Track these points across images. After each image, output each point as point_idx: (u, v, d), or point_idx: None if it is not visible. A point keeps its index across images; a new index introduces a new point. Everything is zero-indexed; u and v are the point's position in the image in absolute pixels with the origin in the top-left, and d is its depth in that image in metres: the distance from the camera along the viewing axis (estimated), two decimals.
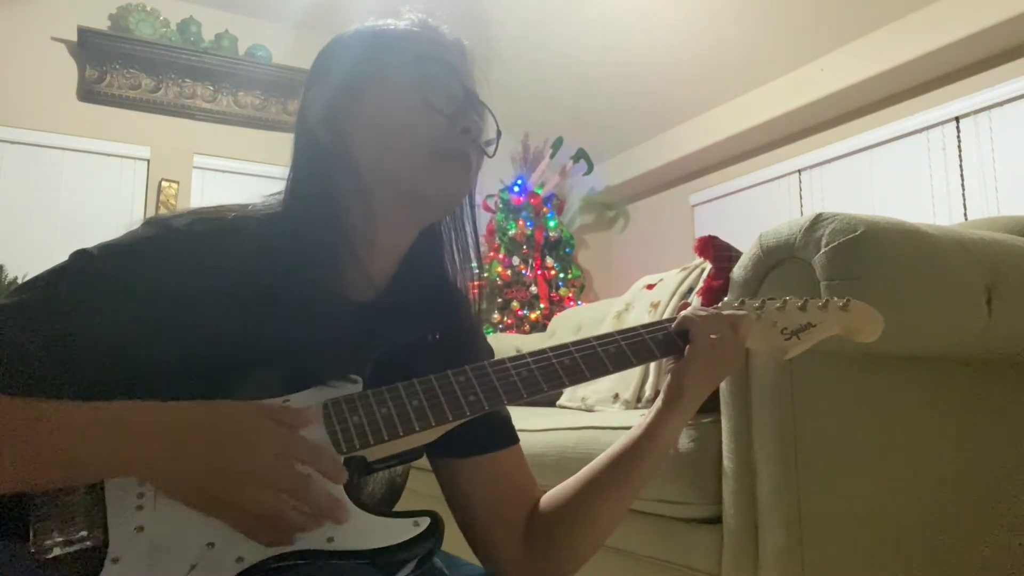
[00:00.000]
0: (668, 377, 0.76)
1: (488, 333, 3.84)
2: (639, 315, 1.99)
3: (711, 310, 0.77)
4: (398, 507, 0.79)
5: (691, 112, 3.96)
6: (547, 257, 4.42)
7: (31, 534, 0.56)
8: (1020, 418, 1.09)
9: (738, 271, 1.03)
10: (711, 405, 1.05)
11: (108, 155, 3.83)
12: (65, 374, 0.60)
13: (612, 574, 1.24)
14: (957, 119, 2.91)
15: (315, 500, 0.58)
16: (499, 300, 4.27)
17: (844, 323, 0.78)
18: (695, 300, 1.68)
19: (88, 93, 3.78)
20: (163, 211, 3.79)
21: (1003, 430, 1.08)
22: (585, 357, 0.71)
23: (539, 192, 4.43)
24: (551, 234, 4.43)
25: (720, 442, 1.04)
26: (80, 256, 0.63)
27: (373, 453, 0.65)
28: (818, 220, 0.94)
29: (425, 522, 0.62)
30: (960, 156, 2.90)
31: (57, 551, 0.56)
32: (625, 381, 1.90)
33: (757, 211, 3.78)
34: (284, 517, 0.57)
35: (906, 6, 2.86)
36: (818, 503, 0.95)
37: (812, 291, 0.92)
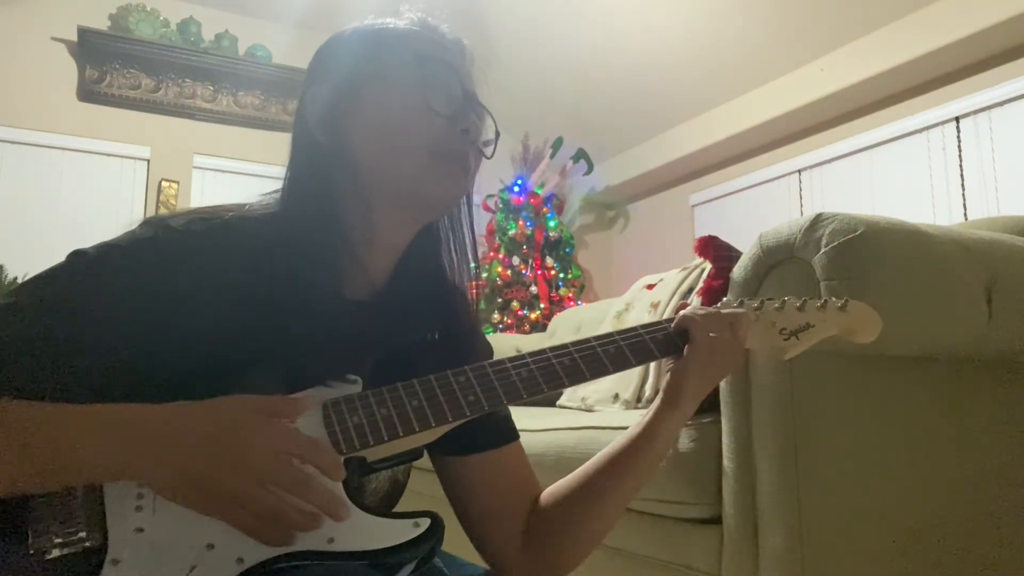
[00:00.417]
0: (668, 376, 0.76)
1: (488, 333, 3.85)
2: (639, 315, 1.99)
3: (710, 309, 0.77)
4: (398, 507, 0.79)
5: (691, 112, 3.96)
6: (547, 257, 4.42)
7: (30, 535, 0.56)
8: (1020, 418, 1.09)
9: (738, 271, 1.03)
10: (711, 405, 1.05)
11: (108, 155, 3.83)
12: (61, 376, 0.59)
13: (612, 574, 1.24)
14: (957, 119, 2.91)
15: (314, 497, 0.58)
16: (499, 300, 4.26)
17: (842, 323, 0.78)
18: (695, 300, 1.68)
19: (88, 93, 3.78)
20: (163, 211, 3.79)
21: (1003, 430, 1.08)
22: (585, 357, 0.71)
23: (539, 192, 4.42)
24: (551, 234, 4.43)
25: (720, 442, 1.04)
26: (76, 257, 0.63)
27: (373, 453, 0.65)
28: (818, 220, 0.94)
29: (425, 523, 0.62)
30: (960, 156, 2.90)
31: (56, 552, 0.56)
32: (625, 381, 1.89)
33: (757, 211, 3.78)
34: (283, 515, 0.57)
35: (906, 6, 2.86)
36: (818, 503, 0.95)
37: (812, 291, 0.92)
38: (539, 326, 4.09)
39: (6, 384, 0.57)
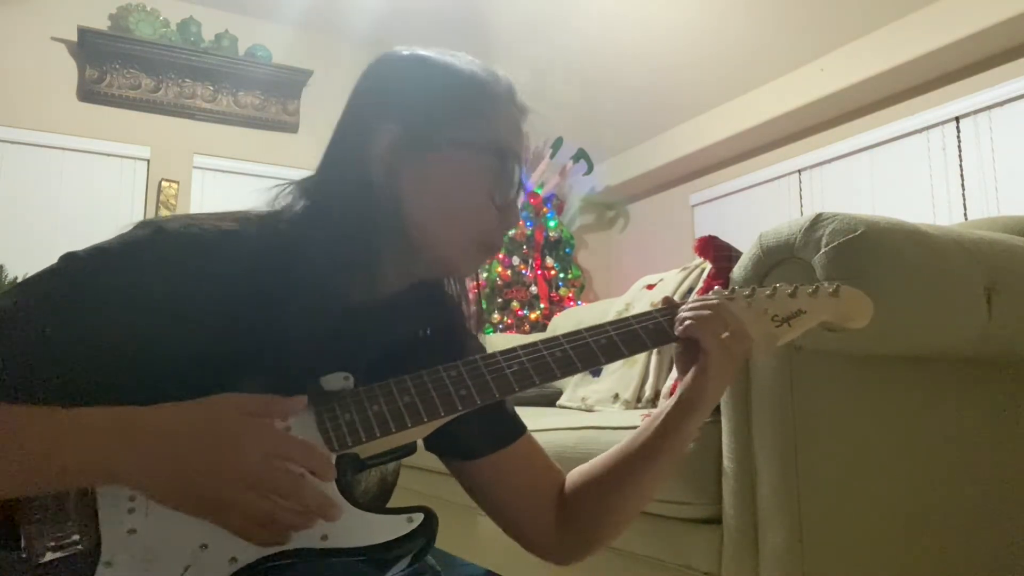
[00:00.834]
0: (688, 378, 0.74)
1: (488, 333, 3.85)
2: None
3: (704, 301, 0.76)
4: (391, 504, 0.79)
5: (691, 112, 3.95)
6: (547, 257, 4.42)
7: (23, 539, 0.56)
8: (1020, 418, 1.09)
9: (738, 271, 1.03)
10: None
11: (108, 155, 3.83)
12: (50, 379, 0.59)
13: (612, 574, 1.24)
14: (957, 119, 2.91)
15: (306, 499, 0.58)
16: (499, 300, 4.26)
17: (834, 309, 0.78)
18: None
19: (88, 93, 3.78)
20: (163, 211, 3.79)
21: (1003, 430, 1.08)
22: (577, 349, 0.71)
23: (539, 192, 4.42)
24: (551, 234, 4.43)
25: (720, 442, 1.04)
26: (68, 259, 0.63)
27: (366, 450, 0.65)
28: (818, 220, 0.94)
29: (419, 518, 0.62)
30: (960, 156, 2.90)
31: (49, 555, 0.55)
32: (624, 381, 1.90)
33: (757, 211, 3.77)
34: (276, 518, 0.57)
35: (906, 6, 2.86)
36: (818, 503, 0.95)
37: None
38: (539, 326, 4.09)
39: None
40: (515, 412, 0.85)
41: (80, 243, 0.65)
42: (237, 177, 4.06)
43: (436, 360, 0.69)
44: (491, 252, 0.75)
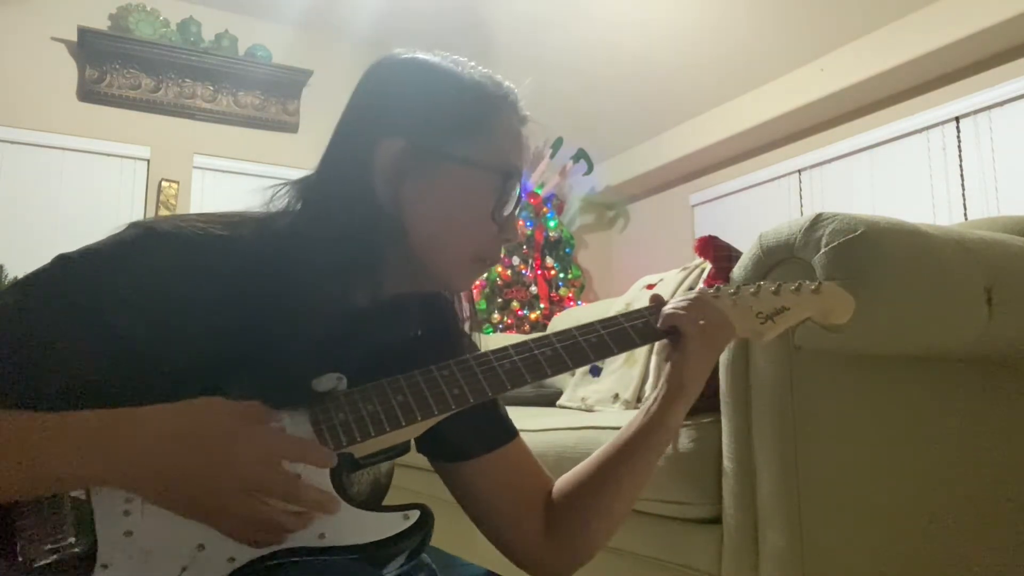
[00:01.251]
0: (668, 367, 0.76)
1: (488, 333, 3.85)
2: None
3: (689, 296, 0.78)
4: (389, 501, 0.79)
5: (691, 112, 3.95)
6: (547, 257, 4.42)
7: (19, 543, 0.55)
8: (1020, 418, 1.09)
9: (738, 271, 1.03)
10: (711, 405, 1.05)
11: (108, 155, 3.83)
12: (42, 379, 0.59)
13: (612, 574, 1.24)
14: (957, 119, 2.91)
15: (303, 499, 0.58)
16: (499, 300, 4.26)
17: (816, 305, 0.80)
18: None
19: (88, 93, 3.78)
20: (163, 211, 3.79)
21: (1003, 430, 1.08)
22: (567, 347, 0.72)
23: (539, 192, 4.42)
24: (551, 234, 4.43)
25: (720, 442, 1.04)
26: (60, 261, 0.63)
27: (360, 449, 0.65)
28: (818, 220, 0.94)
29: (415, 515, 0.62)
30: (960, 156, 2.90)
31: (45, 559, 0.55)
32: (625, 381, 1.90)
33: (757, 211, 3.78)
34: (272, 521, 0.57)
35: (906, 6, 2.86)
36: (818, 503, 0.95)
37: None
38: (539, 326, 4.09)
39: None
40: (507, 416, 0.85)
41: (80, 243, 0.65)
42: (237, 177, 4.06)
43: (430, 360, 0.69)
44: (488, 265, 0.76)
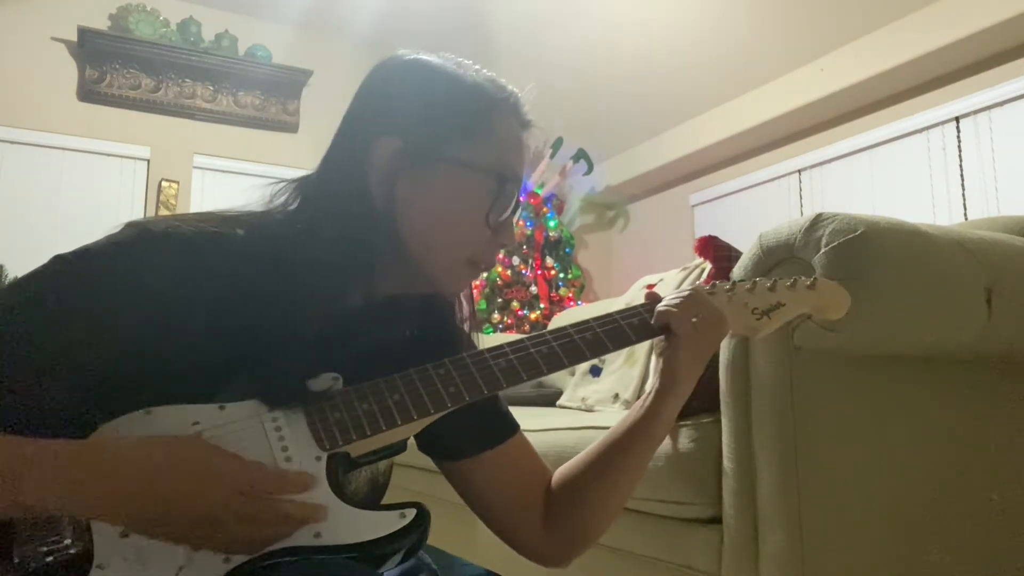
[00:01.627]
0: (661, 362, 0.77)
1: (488, 333, 3.85)
2: None
3: (681, 294, 0.78)
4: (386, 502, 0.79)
5: (691, 112, 3.95)
6: (547, 257, 4.42)
7: (14, 545, 0.55)
8: (1020, 418, 1.09)
9: (738, 271, 1.03)
10: (711, 405, 1.05)
11: (108, 155, 3.83)
12: (35, 381, 0.59)
13: (612, 574, 1.24)
14: (957, 119, 2.91)
15: (288, 520, 0.58)
16: (499, 300, 4.26)
17: (812, 301, 0.80)
18: None
19: (88, 93, 3.78)
20: (163, 211, 3.79)
21: (1003, 430, 1.08)
22: (562, 345, 0.72)
23: (539, 192, 4.42)
24: (551, 234, 4.43)
25: (720, 442, 1.04)
26: (55, 261, 0.63)
27: (357, 449, 0.65)
28: (818, 220, 0.94)
29: (411, 513, 0.62)
30: (960, 156, 2.90)
31: (41, 560, 0.55)
32: (624, 381, 1.90)
33: (757, 211, 3.78)
34: (261, 539, 0.57)
35: (906, 6, 2.86)
36: (818, 503, 0.95)
37: None
38: (539, 326, 4.09)
39: None
40: (508, 411, 0.85)
41: (80, 243, 0.65)
42: (237, 177, 4.06)
43: (426, 360, 0.70)
44: (481, 269, 0.75)
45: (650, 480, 1.08)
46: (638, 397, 1.81)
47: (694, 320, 0.75)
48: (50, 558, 0.55)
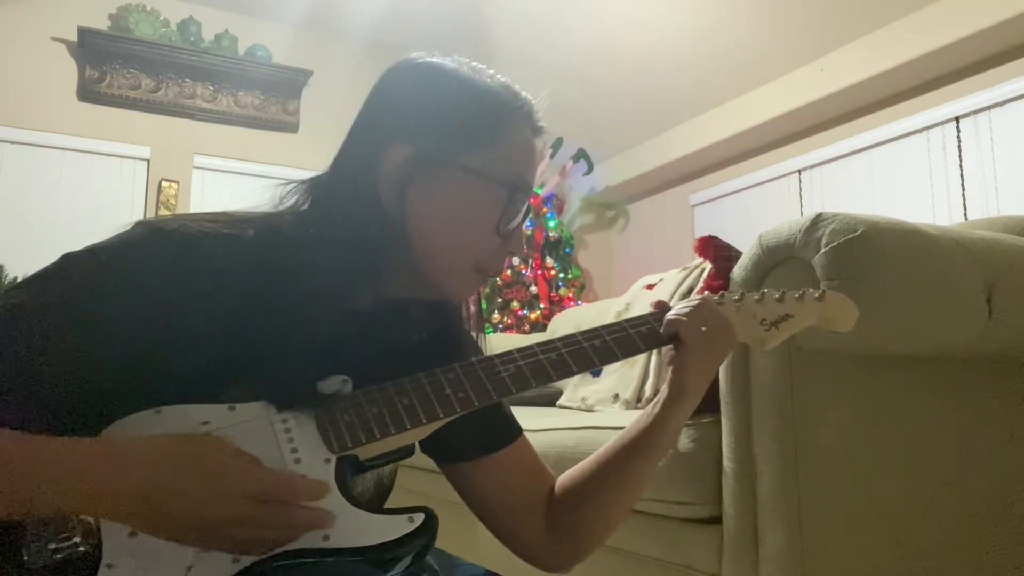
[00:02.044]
0: (670, 372, 0.76)
1: (488, 333, 3.85)
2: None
3: (691, 302, 0.78)
4: (389, 505, 0.79)
5: (691, 112, 3.95)
6: (547, 257, 4.42)
7: (24, 543, 0.55)
8: (1020, 417, 1.09)
9: (738, 271, 1.03)
10: (711, 405, 1.05)
11: (108, 155, 3.83)
12: (44, 379, 0.59)
13: (612, 574, 1.24)
14: (957, 119, 2.91)
15: (296, 526, 0.58)
16: (499, 300, 4.27)
17: (820, 313, 0.80)
18: None
19: (88, 93, 3.78)
20: (163, 211, 3.79)
21: (1003, 430, 1.08)
22: (572, 352, 0.72)
23: (539, 192, 4.42)
24: (551, 234, 4.43)
25: (720, 442, 1.04)
26: (65, 259, 0.63)
27: (365, 452, 0.65)
28: (818, 220, 0.94)
29: (420, 518, 0.62)
30: (960, 156, 2.90)
31: (51, 558, 0.55)
32: (625, 381, 1.90)
33: (757, 211, 3.77)
34: (266, 541, 0.57)
35: (906, 6, 2.86)
36: (818, 503, 0.95)
37: None
38: (539, 326, 4.09)
39: None
40: (511, 415, 0.85)
41: (80, 243, 0.65)
42: (237, 177, 4.06)
43: (434, 364, 0.70)
44: (489, 276, 0.75)
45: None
46: (638, 398, 1.81)
47: (703, 329, 0.74)
48: (59, 556, 0.56)
